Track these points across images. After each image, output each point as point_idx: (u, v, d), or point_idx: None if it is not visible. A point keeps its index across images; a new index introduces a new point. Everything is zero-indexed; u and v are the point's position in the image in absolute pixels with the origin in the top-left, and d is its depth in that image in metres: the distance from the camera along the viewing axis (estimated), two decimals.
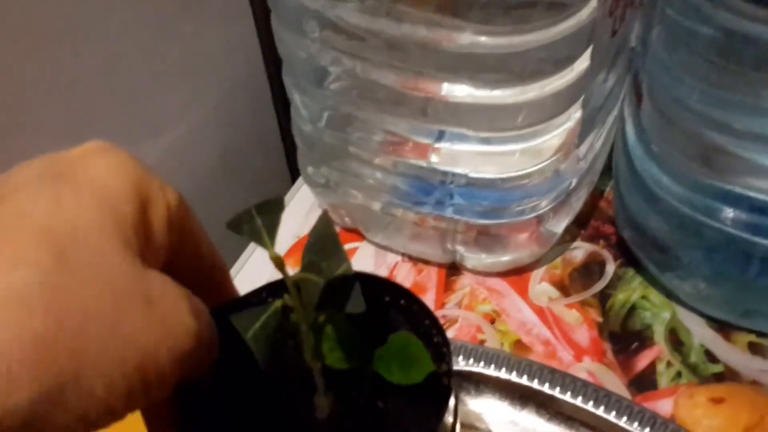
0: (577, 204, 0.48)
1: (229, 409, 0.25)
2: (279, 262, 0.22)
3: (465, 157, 0.43)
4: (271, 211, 0.23)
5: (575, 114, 0.41)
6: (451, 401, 0.25)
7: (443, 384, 0.25)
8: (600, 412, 0.39)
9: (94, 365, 0.18)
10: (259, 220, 0.22)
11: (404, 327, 0.26)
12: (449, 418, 0.26)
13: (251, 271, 0.51)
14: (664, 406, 0.41)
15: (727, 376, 0.42)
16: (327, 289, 0.22)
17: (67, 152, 0.21)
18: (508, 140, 0.41)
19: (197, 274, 0.24)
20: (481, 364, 0.42)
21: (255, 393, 0.26)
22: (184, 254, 0.23)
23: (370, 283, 0.27)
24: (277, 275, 0.23)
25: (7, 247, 0.18)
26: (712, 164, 0.38)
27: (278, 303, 0.22)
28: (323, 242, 0.23)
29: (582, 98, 0.40)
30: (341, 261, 0.22)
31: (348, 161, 0.46)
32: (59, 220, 0.18)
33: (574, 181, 0.45)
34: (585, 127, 0.42)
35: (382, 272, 0.50)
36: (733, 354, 0.43)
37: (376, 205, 0.47)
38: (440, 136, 0.43)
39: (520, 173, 0.42)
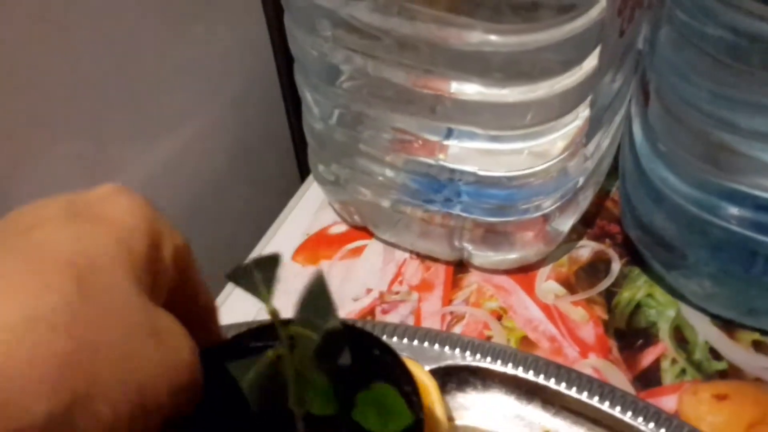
0: (584, 203, 0.49)
1: None
2: (276, 317, 0.24)
3: (473, 155, 0.44)
4: (268, 265, 0.24)
5: (583, 113, 0.41)
6: None
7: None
8: (605, 407, 0.40)
9: (104, 390, 0.19)
10: (257, 274, 0.24)
11: (377, 376, 0.28)
12: None
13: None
14: (668, 403, 0.41)
15: (731, 373, 0.42)
16: (319, 345, 0.24)
17: (86, 193, 0.23)
18: (516, 139, 0.42)
19: (190, 313, 0.25)
20: (488, 359, 0.42)
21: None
22: (183, 294, 0.25)
23: (352, 334, 0.29)
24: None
25: (36, 275, 0.19)
26: (719, 163, 0.39)
27: (272, 354, 0.24)
28: (317, 300, 0.24)
29: (590, 97, 0.41)
30: (331, 318, 0.24)
31: (358, 159, 0.46)
32: (81, 254, 0.20)
33: (581, 180, 0.45)
34: (592, 127, 0.43)
35: (391, 269, 0.50)
36: (737, 352, 0.43)
37: (386, 203, 0.48)
38: (449, 134, 0.43)
39: (527, 172, 0.43)
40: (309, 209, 0.55)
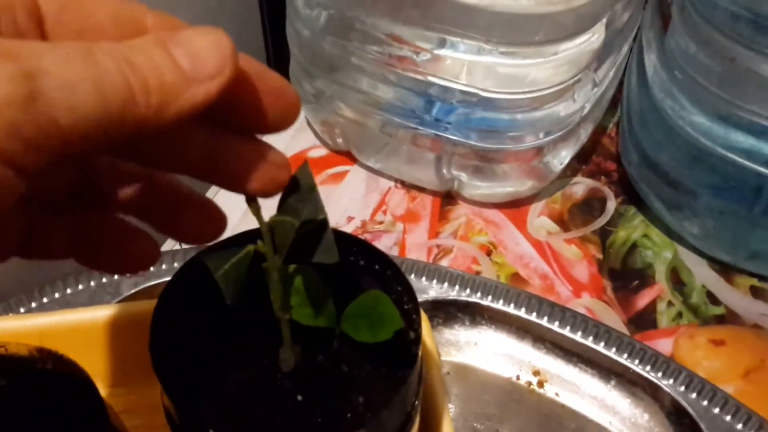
0: (584, 136, 0.46)
1: (197, 353, 0.25)
2: (255, 208, 0.22)
3: (472, 72, 0.40)
4: None
5: (599, 33, 0.38)
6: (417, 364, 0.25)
7: (411, 352, 0.25)
8: (600, 348, 0.38)
9: None
10: None
11: (375, 288, 0.26)
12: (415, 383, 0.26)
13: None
14: (664, 346, 0.39)
15: (728, 318, 0.41)
16: (301, 237, 0.21)
17: None
18: (524, 56, 0.39)
19: None
20: (478, 294, 0.40)
21: (223, 340, 0.26)
22: None
23: (346, 242, 0.27)
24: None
25: None
26: (739, 90, 0.36)
27: (251, 247, 0.22)
28: (302, 192, 0.22)
29: (607, 17, 0.38)
30: (318, 210, 0.22)
31: (347, 73, 0.43)
32: None
33: (587, 107, 0.42)
34: (605, 51, 0.40)
35: (374, 198, 0.47)
36: (734, 297, 0.42)
37: (373, 124, 0.44)
38: (450, 47, 0.40)
39: (532, 95, 0.40)
40: (286, 130, 0.51)
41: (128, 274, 0.22)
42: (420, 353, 0.26)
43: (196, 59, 0.18)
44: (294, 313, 0.24)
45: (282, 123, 0.22)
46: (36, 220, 0.21)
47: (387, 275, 0.27)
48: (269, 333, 0.25)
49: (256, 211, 0.22)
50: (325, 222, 0.22)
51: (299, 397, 0.25)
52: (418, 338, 0.26)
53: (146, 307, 0.30)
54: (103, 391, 0.37)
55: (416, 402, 0.28)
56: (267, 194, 0.22)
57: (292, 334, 0.25)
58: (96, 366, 0.37)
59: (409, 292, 0.27)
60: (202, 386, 0.25)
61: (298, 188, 0.22)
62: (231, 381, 0.26)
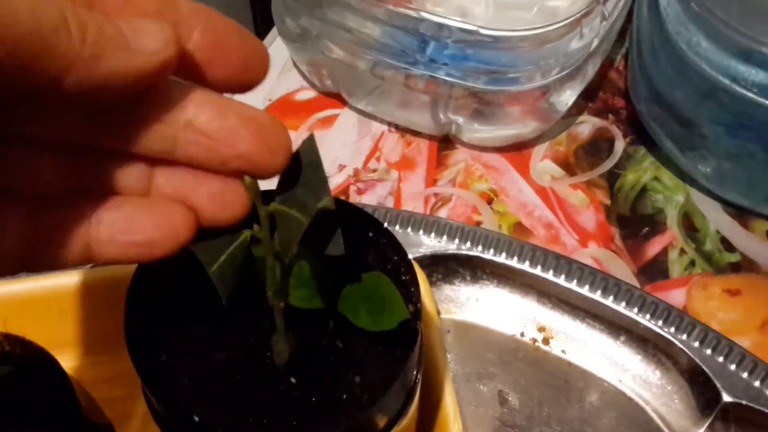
0: (592, 72, 0.43)
1: (183, 349, 0.23)
2: (255, 190, 0.19)
3: (471, 9, 0.37)
4: None
5: None
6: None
7: (411, 327, 0.23)
8: (609, 302, 0.36)
9: None
10: None
11: (371, 260, 0.25)
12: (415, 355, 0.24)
13: None
14: (676, 297, 0.37)
15: (744, 266, 0.39)
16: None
17: None
18: None
19: None
20: (479, 247, 0.37)
21: (206, 321, 0.24)
22: None
23: (338, 209, 0.24)
24: None
25: None
26: (758, 24, 0.33)
27: (246, 234, 0.20)
28: (306, 171, 0.20)
29: None
30: (323, 195, 0.19)
31: (333, 9, 0.39)
32: None
33: (596, 42, 0.39)
34: None
35: (367, 143, 0.44)
36: (750, 242, 0.39)
37: (362, 64, 0.41)
38: None
39: (537, 32, 0.36)
40: (272, 70, 0.47)
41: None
42: (421, 328, 0.24)
43: (138, 31, 0.17)
44: (290, 297, 0.22)
45: (248, 82, 0.19)
46: None
47: (381, 243, 0.25)
48: (259, 311, 0.23)
49: (256, 195, 0.19)
50: (331, 209, 0.19)
51: (292, 379, 0.23)
52: (417, 313, 0.24)
53: (126, 271, 0.27)
54: (85, 359, 0.35)
55: (417, 376, 0.26)
56: (266, 169, 0.19)
57: (287, 318, 0.22)
58: (75, 334, 0.35)
59: (406, 261, 0.25)
60: (183, 369, 0.23)
61: (299, 166, 0.19)
62: (216, 364, 0.24)
